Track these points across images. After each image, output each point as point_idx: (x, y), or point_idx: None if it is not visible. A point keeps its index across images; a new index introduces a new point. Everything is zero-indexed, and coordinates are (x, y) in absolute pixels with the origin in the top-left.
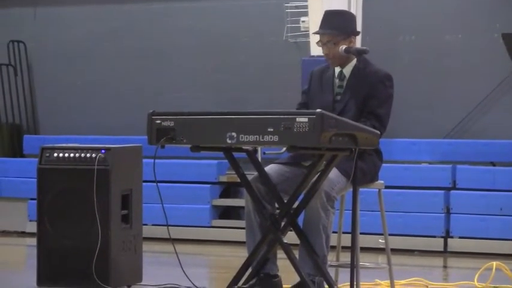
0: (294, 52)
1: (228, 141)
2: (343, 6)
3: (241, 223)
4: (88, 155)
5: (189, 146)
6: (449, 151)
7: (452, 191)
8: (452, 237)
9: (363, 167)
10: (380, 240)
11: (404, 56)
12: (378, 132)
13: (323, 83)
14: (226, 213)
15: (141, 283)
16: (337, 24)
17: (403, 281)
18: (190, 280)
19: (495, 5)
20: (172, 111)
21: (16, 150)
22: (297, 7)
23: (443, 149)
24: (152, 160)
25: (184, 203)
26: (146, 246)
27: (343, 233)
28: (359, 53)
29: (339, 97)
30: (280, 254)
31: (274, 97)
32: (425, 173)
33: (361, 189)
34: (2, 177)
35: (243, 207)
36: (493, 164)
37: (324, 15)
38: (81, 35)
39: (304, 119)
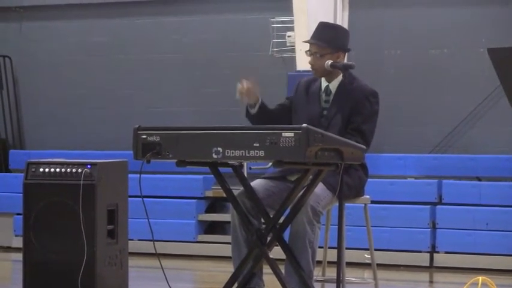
0: (280, 67)
1: (214, 156)
2: (328, 20)
3: (227, 238)
4: (74, 169)
5: (175, 160)
6: (435, 166)
7: (438, 206)
8: (438, 252)
9: (349, 182)
10: (366, 255)
11: (389, 70)
12: (364, 147)
13: (309, 95)
14: (212, 228)
15: None
16: (326, 37)
17: None
18: None
19: (481, 20)
20: (158, 126)
21: (2, 165)
22: (283, 22)
23: (429, 164)
24: (138, 175)
25: (170, 218)
26: (132, 261)
27: (329, 248)
28: (345, 68)
29: (325, 112)
30: (266, 269)
31: None
32: (411, 188)
33: (347, 204)
34: None
35: (228, 222)
36: (479, 179)
37: (317, 25)
38: (67, 50)
39: (290, 134)
